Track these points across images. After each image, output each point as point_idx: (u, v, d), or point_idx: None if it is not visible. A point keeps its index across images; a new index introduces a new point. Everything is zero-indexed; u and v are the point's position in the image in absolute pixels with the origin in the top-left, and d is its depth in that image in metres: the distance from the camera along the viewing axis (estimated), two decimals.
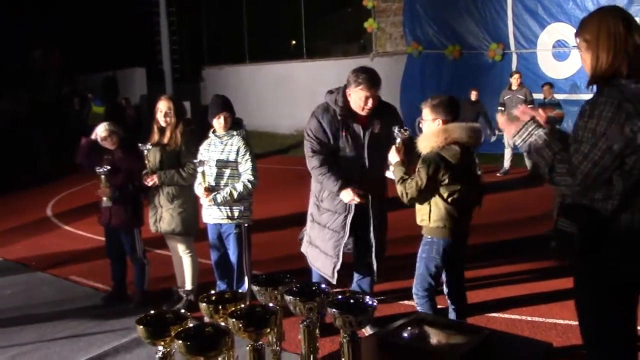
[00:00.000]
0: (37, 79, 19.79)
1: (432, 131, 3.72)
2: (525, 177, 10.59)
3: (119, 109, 16.96)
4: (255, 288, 2.18)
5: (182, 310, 2.06)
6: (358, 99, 4.06)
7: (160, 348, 1.88)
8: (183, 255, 5.15)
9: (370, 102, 4.05)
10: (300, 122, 17.45)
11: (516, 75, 11.30)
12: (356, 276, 4.49)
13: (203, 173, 4.63)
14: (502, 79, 12.31)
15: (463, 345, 2.37)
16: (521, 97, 11.00)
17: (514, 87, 11.18)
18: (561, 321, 4.48)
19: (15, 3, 18.86)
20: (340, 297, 2.06)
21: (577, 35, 2.54)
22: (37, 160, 14.93)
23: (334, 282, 4.26)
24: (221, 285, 4.91)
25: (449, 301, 4.06)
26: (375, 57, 16.06)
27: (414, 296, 3.94)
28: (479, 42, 14.20)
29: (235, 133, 4.74)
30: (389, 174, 3.95)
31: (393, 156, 3.82)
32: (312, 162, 4.17)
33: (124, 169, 5.13)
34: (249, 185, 4.66)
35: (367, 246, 4.27)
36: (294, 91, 17.79)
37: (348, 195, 4.04)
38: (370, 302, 2.04)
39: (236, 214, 4.72)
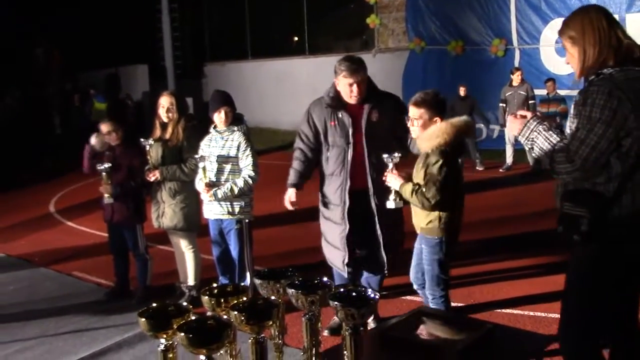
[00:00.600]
0: (40, 76, 19.81)
1: (438, 128, 3.64)
2: (528, 173, 10.58)
3: (122, 105, 16.97)
4: (257, 281, 2.19)
5: (185, 303, 2.06)
6: (344, 87, 4.09)
7: (163, 341, 1.88)
8: (185, 251, 5.16)
9: (355, 89, 4.04)
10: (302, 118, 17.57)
11: (517, 72, 11.28)
12: (365, 272, 4.45)
13: (204, 168, 4.63)
14: (504, 74, 12.29)
15: (465, 339, 2.37)
16: (522, 93, 10.99)
17: (515, 84, 11.16)
18: None
19: (18, 0, 18.88)
20: (342, 290, 2.07)
21: (561, 34, 2.65)
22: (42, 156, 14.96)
23: (345, 275, 4.28)
24: (223, 281, 4.91)
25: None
26: (378, 53, 16.03)
27: (432, 299, 3.85)
28: (481, 38, 14.17)
29: (236, 128, 4.73)
30: (390, 203, 3.84)
31: (393, 181, 3.76)
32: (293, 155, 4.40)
33: (125, 164, 5.13)
34: (250, 181, 4.66)
35: (374, 240, 4.22)
36: (296, 87, 17.77)
37: (285, 197, 4.29)
38: (372, 296, 2.04)
39: (237, 209, 4.72)
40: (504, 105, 11.39)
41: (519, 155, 11.18)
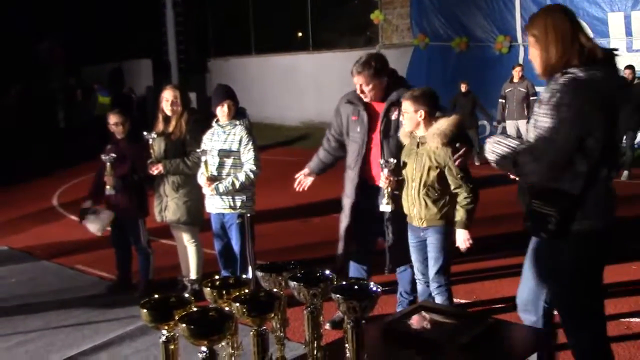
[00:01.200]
0: (43, 71, 19.83)
1: (449, 124, 3.69)
2: None
3: (126, 99, 16.99)
4: (259, 274, 2.18)
5: (186, 295, 2.05)
6: (356, 87, 4.13)
7: (164, 332, 1.88)
8: (188, 245, 5.15)
9: (364, 89, 4.06)
10: (306, 114, 17.60)
11: (518, 68, 11.26)
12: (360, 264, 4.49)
13: (206, 162, 4.62)
14: (508, 71, 12.26)
15: (467, 333, 2.36)
16: (522, 89, 10.97)
17: (515, 80, 11.14)
18: None
19: None
20: (344, 283, 2.06)
21: (526, 30, 2.73)
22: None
23: (338, 266, 4.34)
24: (225, 274, 4.91)
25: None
26: (382, 49, 16.01)
27: (437, 287, 3.90)
28: (485, 35, 14.13)
29: (238, 122, 4.73)
30: (383, 207, 3.93)
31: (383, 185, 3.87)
32: None
33: (128, 158, 5.13)
34: (251, 175, 4.65)
35: (380, 237, 4.27)
36: (300, 83, 17.76)
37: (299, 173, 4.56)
38: (374, 289, 2.03)
39: (238, 203, 4.71)
40: (503, 101, 11.37)
41: None
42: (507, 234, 6.58)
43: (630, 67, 10.16)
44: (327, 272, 2.14)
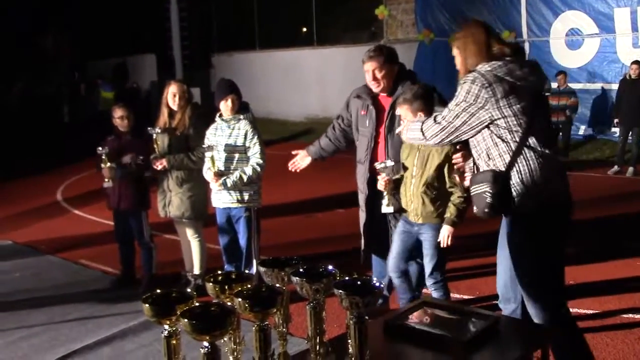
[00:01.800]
0: (48, 65, 19.87)
1: None
2: None
3: (130, 93, 17.01)
4: (262, 269, 2.17)
5: (189, 290, 2.05)
6: (365, 75, 4.09)
7: (166, 327, 1.87)
8: (191, 240, 5.15)
9: (377, 75, 4.01)
10: (310, 109, 17.58)
11: None
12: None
13: (212, 158, 4.62)
14: None
15: (471, 329, 2.35)
16: None
17: None
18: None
19: None
20: (347, 278, 2.05)
21: (451, 43, 3.19)
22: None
23: (361, 262, 4.38)
24: (229, 269, 4.91)
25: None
26: (386, 45, 15.97)
27: (433, 284, 3.93)
28: None
29: (242, 117, 4.72)
30: (384, 209, 3.96)
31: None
32: None
33: (131, 152, 5.12)
34: (258, 169, 4.66)
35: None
36: (304, 78, 17.74)
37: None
38: (376, 285, 2.03)
39: (246, 197, 4.72)
40: None
41: None
42: None
43: (636, 62, 10.11)
44: (330, 267, 2.14)
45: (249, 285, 2.06)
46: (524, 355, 2.42)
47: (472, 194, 2.96)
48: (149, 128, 4.98)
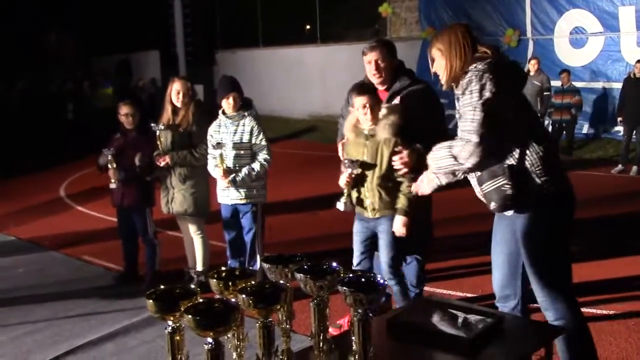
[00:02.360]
0: (53, 62, 19.89)
1: (398, 115, 3.79)
2: None
3: (131, 91, 17.03)
4: (265, 266, 2.17)
5: (192, 286, 2.05)
6: (366, 67, 4.02)
7: (170, 323, 1.87)
8: (194, 236, 5.16)
9: (372, 67, 3.95)
10: (313, 107, 17.56)
11: (534, 61, 11.17)
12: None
13: (221, 155, 4.62)
14: None
15: (475, 328, 2.35)
16: (537, 83, 10.87)
17: (531, 73, 11.04)
18: None
19: None
20: (351, 275, 2.05)
21: (431, 46, 3.03)
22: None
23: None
24: (233, 265, 4.92)
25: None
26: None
27: (393, 279, 3.88)
28: (494, 28, 14.03)
29: (246, 114, 4.73)
30: (340, 205, 3.94)
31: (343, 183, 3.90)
32: None
33: (135, 150, 5.13)
34: (266, 165, 4.69)
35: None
36: (307, 76, 17.72)
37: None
38: (381, 282, 2.02)
39: (254, 192, 4.74)
40: None
41: None
42: None
43: None
44: (334, 264, 2.14)
45: (253, 282, 2.06)
46: (529, 353, 2.42)
47: (485, 190, 2.89)
48: (152, 125, 4.98)
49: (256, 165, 4.67)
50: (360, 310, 1.95)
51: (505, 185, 2.81)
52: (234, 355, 2.02)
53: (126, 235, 5.43)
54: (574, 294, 3.04)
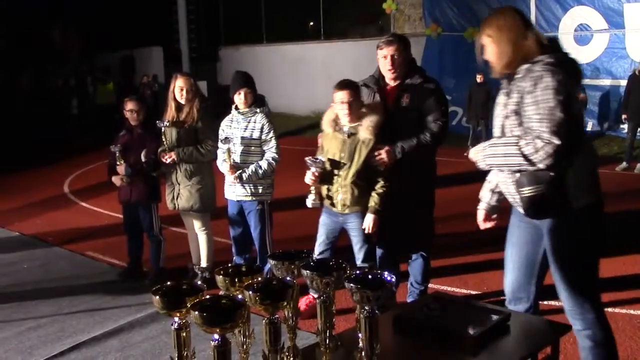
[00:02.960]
0: (57, 57, 19.89)
1: (379, 117, 3.91)
2: None
3: (135, 87, 17.02)
4: (271, 262, 2.17)
5: (199, 282, 2.04)
6: (380, 61, 4.04)
7: (176, 319, 1.87)
8: (199, 233, 5.15)
9: (388, 61, 3.96)
10: (317, 103, 17.51)
11: None
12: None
13: (228, 150, 4.62)
14: None
15: (481, 325, 2.34)
16: None
17: None
18: None
19: None
20: (357, 272, 2.04)
21: (480, 33, 2.88)
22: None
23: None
24: (238, 261, 4.91)
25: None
26: None
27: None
28: None
29: (258, 110, 4.72)
30: (309, 202, 4.08)
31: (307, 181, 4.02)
32: None
33: (140, 147, 5.12)
34: (273, 163, 4.68)
35: (404, 223, 4.19)
36: (311, 72, 17.69)
37: None
38: (388, 279, 2.01)
39: (260, 190, 4.73)
40: None
41: None
42: None
43: None
44: (341, 261, 2.13)
45: (259, 278, 2.05)
46: (535, 352, 2.41)
47: (524, 194, 2.69)
48: (157, 122, 4.97)
49: (264, 164, 4.66)
50: (367, 307, 1.94)
51: (547, 193, 2.64)
52: (240, 351, 2.02)
53: (132, 231, 5.42)
54: (601, 304, 2.93)
